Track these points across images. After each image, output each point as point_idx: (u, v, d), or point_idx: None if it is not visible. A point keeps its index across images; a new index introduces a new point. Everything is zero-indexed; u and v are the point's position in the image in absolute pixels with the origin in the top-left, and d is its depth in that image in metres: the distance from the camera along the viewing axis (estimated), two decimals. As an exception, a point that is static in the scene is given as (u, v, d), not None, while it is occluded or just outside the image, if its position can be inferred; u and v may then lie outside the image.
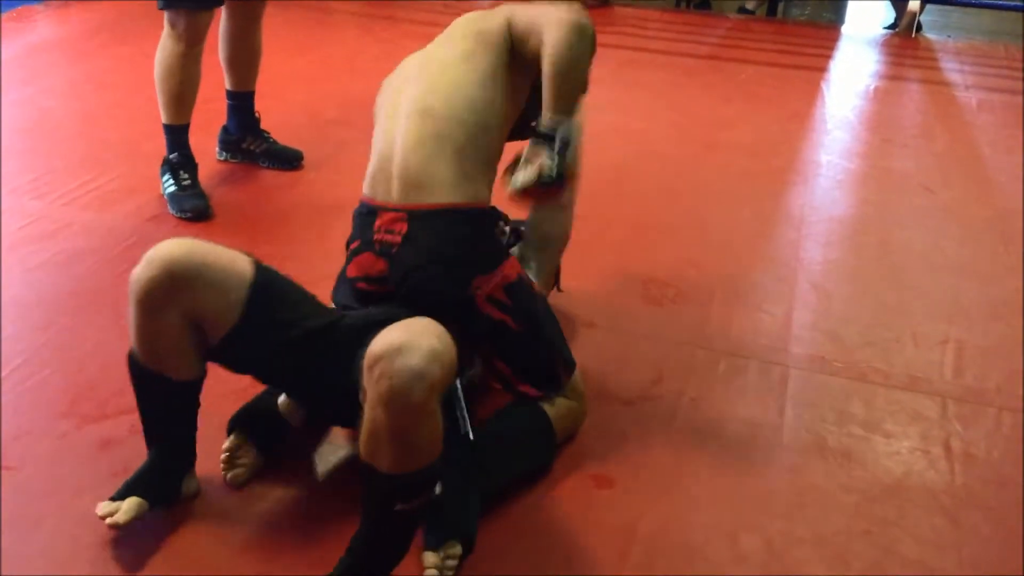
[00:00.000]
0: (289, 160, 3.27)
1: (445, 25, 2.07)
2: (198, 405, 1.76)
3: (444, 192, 1.78)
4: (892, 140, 3.72)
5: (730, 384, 2.22)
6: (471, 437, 1.73)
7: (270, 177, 3.19)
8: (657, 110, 3.95)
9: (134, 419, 2.00)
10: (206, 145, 3.36)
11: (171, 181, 2.94)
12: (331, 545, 1.63)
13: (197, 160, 2.99)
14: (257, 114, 3.25)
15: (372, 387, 1.41)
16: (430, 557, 1.62)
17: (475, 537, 1.67)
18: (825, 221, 3.04)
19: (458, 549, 1.63)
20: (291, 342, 1.66)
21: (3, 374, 2.14)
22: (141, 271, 1.58)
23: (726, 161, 3.46)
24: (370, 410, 1.44)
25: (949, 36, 5.22)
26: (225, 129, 3.28)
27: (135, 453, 1.91)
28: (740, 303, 2.56)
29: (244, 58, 3.11)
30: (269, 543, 1.73)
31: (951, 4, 5.59)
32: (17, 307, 2.40)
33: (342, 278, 1.93)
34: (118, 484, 1.82)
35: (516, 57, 1.89)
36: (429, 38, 2.08)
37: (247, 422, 1.87)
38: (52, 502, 1.79)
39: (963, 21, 5.65)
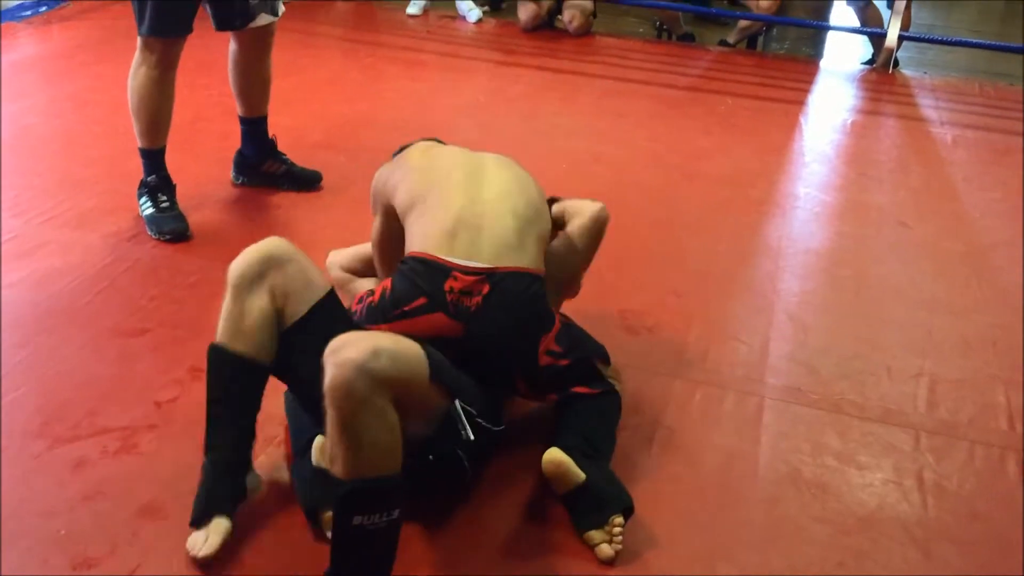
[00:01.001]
0: (309, 182, 3.27)
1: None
2: (261, 397, 1.81)
3: (524, 258, 1.93)
4: (868, 174, 3.77)
5: (706, 414, 2.23)
6: (472, 438, 1.75)
7: (253, 199, 3.19)
8: (637, 140, 3.98)
9: (107, 441, 2.00)
10: (189, 166, 3.36)
11: (149, 203, 2.93)
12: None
13: (177, 180, 2.98)
14: (272, 136, 3.24)
15: (325, 382, 1.50)
16: (596, 535, 1.76)
17: (632, 502, 1.80)
18: (802, 253, 3.06)
19: (621, 519, 1.77)
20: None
21: (-24, 393, 2.12)
22: (240, 257, 1.78)
23: (705, 192, 3.49)
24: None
25: (925, 72, 5.30)
26: (240, 153, 3.26)
27: (107, 475, 1.91)
28: (717, 333, 2.57)
29: (256, 85, 3.11)
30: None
31: (928, 41, 5.68)
32: (-8, 325, 2.38)
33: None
34: (90, 506, 1.82)
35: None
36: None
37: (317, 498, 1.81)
38: (23, 523, 1.77)
39: (939, 58, 5.74)
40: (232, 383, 1.77)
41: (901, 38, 5.14)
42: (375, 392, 1.48)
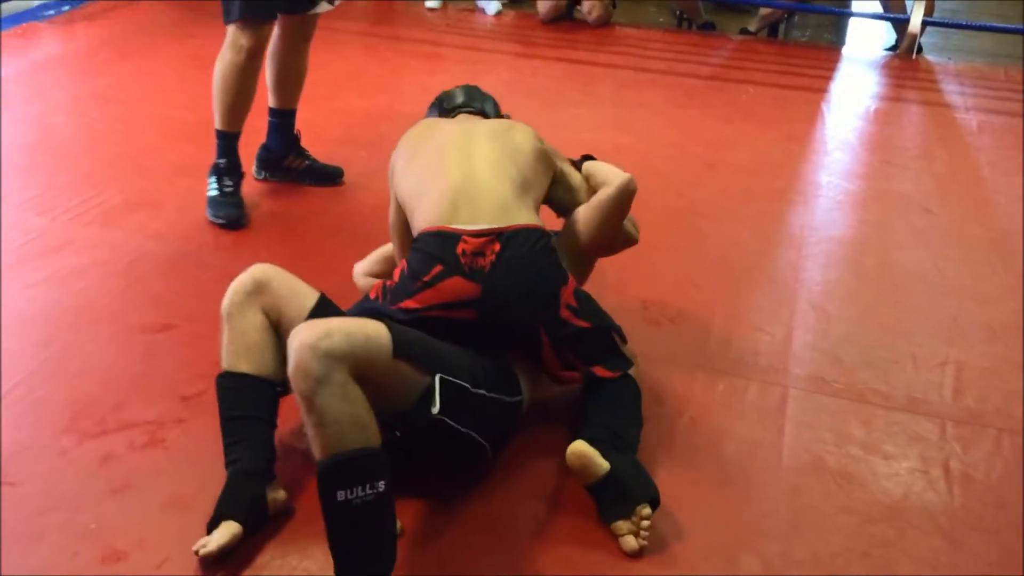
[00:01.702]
0: (331, 177, 3.29)
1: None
2: (277, 411, 1.88)
3: (525, 216, 1.98)
4: (892, 161, 3.74)
5: (729, 404, 2.23)
6: (436, 411, 1.74)
7: (275, 194, 3.20)
8: (658, 129, 3.97)
9: (133, 435, 2.02)
10: (210, 162, 3.39)
11: (215, 185, 3.00)
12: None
13: (197, 177, 3.00)
14: (297, 132, 3.25)
15: (288, 372, 1.60)
16: (623, 525, 1.78)
17: (658, 493, 1.80)
18: (825, 242, 3.05)
19: (648, 509, 1.77)
20: None
21: (4, 390, 2.15)
22: (227, 293, 1.89)
23: (727, 181, 3.47)
24: None
25: (949, 58, 5.24)
26: (265, 147, 3.26)
27: (135, 469, 1.93)
28: (740, 323, 2.56)
29: (292, 77, 3.12)
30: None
31: (951, 27, 5.61)
32: (18, 323, 2.41)
33: (376, 311, 1.93)
34: (118, 500, 1.84)
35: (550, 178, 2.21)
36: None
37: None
38: (52, 518, 1.79)
39: (963, 43, 5.67)
40: (242, 401, 1.83)
41: (924, 23, 5.08)
42: (331, 369, 1.55)
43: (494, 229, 1.92)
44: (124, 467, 1.93)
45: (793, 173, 3.60)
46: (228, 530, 1.71)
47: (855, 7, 5.81)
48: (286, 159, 3.25)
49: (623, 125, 3.99)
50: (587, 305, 2.01)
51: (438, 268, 1.89)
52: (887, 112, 4.41)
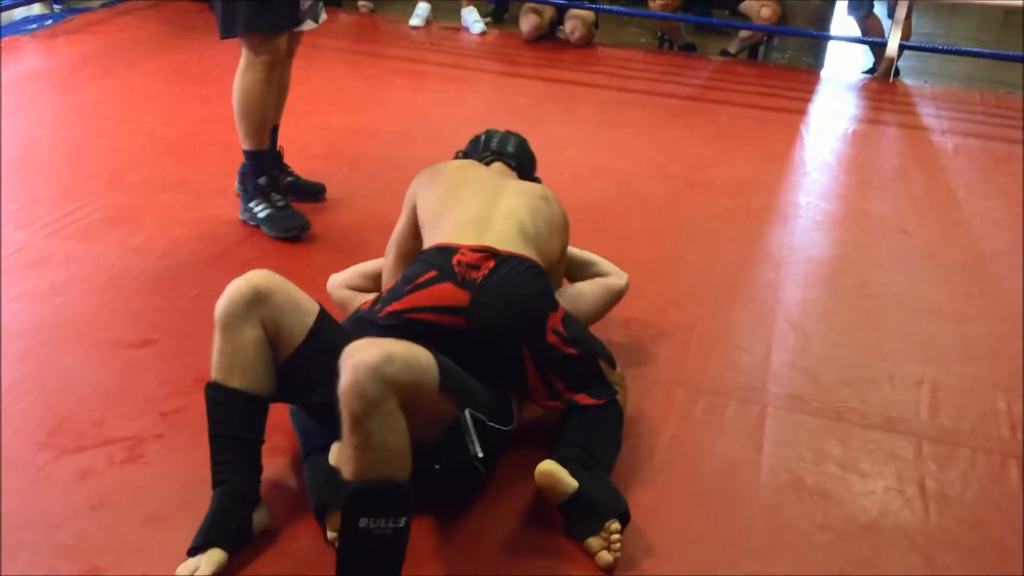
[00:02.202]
0: (312, 193, 3.29)
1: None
2: (264, 430, 1.82)
3: (525, 252, 2.04)
4: (870, 183, 3.78)
5: (709, 422, 2.24)
6: (480, 455, 1.81)
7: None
8: (639, 149, 4.00)
9: (112, 451, 2.01)
10: (193, 177, 3.38)
11: (263, 205, 2.99)
12: None
13: (180, 192, 2.99)
14: (280, 147, 3.24)
15: (339, 385, 1.53)
16: (594, 542, 1.78)
17: (627, 508, 1.81)
18: (804, 262, 3.07)
19: (617, 524, 1.78)
20: None
21: (-18, 404, 2.13)
22: (224, 294, 1.77)
23: (707, 201, 3.50)
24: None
25: (926, 81, 5.31)
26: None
27: (113, 485, 1.92)
28: (719, 342, 2.58)
29: (280, 92, 3.10)
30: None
31: (928, 51, 5.69)
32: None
33: (366, 319, 1.96)
34: (97, 516, 1.83)
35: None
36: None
37: (330, 499, 1.80)
38: (29, 534, 1.78)
39: (940, 67, 5.75)
40: (233, 418, 1.79)
41: (902, 47, 5.16)
42: (386, 395, 1.52)
43: (492, 248, 1.98)
44: (103, 483, 1.92)
45: (772, 193, 3.63)
46: (215, 559, 1.69)
47: (833, 30, 5.88)
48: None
49: (604, 144, 4.02)
50: (576, 332, 2.02)
51: (432, 273, 1.94)
52: (865, 134, 4.46)
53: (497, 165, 2.45)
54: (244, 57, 2.83)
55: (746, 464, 2.10)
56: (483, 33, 5.62)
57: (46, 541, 1.76)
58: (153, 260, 2.84)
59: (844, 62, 5.84)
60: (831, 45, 6.04)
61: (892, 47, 5.12)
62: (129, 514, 1.84)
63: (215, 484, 1.77)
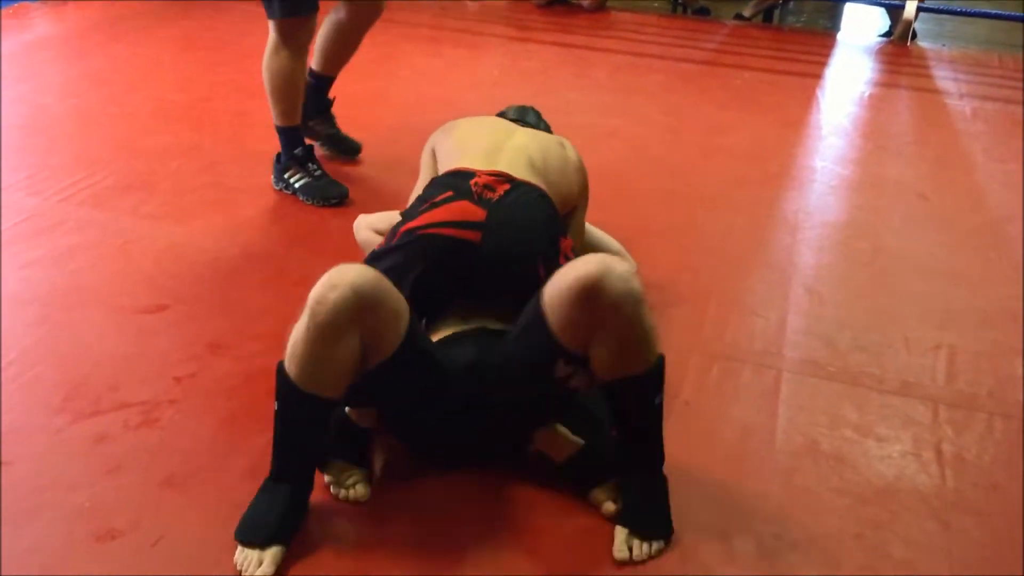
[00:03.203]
0: (349, 149, 3.34)
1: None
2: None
3: (533, 180, 2.08)
4: (886, 147, 3.74)
5: (724, 388, 2.23)
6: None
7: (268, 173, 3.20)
8: (653, 115, 3.96)
9: (128, 415, 2.02)
10: (204, 142, 3.37)
11: (301, 175, 3.02)
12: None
13: (192, 157, 3.00)
14: (332, 97, 3.27)
15: (606, 300, 1.57)
16: (599, 494, 1.81)
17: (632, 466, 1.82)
18: (819, 226, 3.05)
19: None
20: (436, 369, 1.75)
21: (-2, 369, 2.14)
22: (324, 292, 1.56)
23: (722, 166, 3.47)
24: (608, 331, 1.62)
25: (944, 44, 5.24)
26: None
27: (129, 449, 1.93)
28: (734, 307, 2.57)
29: (343, 51, 3.14)
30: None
31: (946, 13, 5.62)
32: (11, 303, 2.40)
33: (378, 253, 1.95)
34: (113, 480, 1.84)
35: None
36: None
37: (334, 448, 1.83)
38: (47, 497, 1.79)
39: (957, 30, 5.68)
40: (308, 423, 1.69)
41: (919, 9, 5.08)
42: (641, 289, 1.64)
43: (507, 173, 2.03)
44: (118, 447, 1.93)
45: (788, 158, 3.60)
46: (277, 558, 1.64)
47: (850, -7, 5.82)
48: (312, 120, 3.27)
49: (618, 109, 3.99)
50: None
51: (449, 193, 1.96)
52: (882, 98, 4.41)
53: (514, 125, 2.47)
54: (274, 39, 2.83)
55: (761, 429, 2.10)
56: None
57: (63, 503, 1.77)
58: (166, 226, 2.84)
59: (860, 25, 5.77)
60: (847, 8, 5.97)
61: (909, 9, 5.05)
62: (145, 477, 1.85)
63: (276, 476, 1.71)
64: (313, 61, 3.17)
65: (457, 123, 2.38)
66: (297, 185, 3.01)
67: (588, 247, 2.41)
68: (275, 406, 1.68)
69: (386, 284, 1.63)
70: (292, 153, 3.01)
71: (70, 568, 1.64)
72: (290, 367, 1.62)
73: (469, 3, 5.61)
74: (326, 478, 1.80)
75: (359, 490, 1.80)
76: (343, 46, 3.14)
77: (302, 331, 1.59)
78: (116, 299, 2.46)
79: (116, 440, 1.95)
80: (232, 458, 1.91)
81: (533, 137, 2.29)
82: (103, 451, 1.91)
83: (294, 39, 2.81)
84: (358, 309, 1.56)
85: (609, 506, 1.79)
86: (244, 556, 1.64)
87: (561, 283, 1.62)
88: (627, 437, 1.79)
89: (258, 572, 1.61)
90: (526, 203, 1.99)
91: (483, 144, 2.19)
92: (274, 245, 2.77)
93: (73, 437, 1.95)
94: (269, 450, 1.91)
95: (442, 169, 2.18)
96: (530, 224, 1.96)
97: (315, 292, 1.56)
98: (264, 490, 1.71)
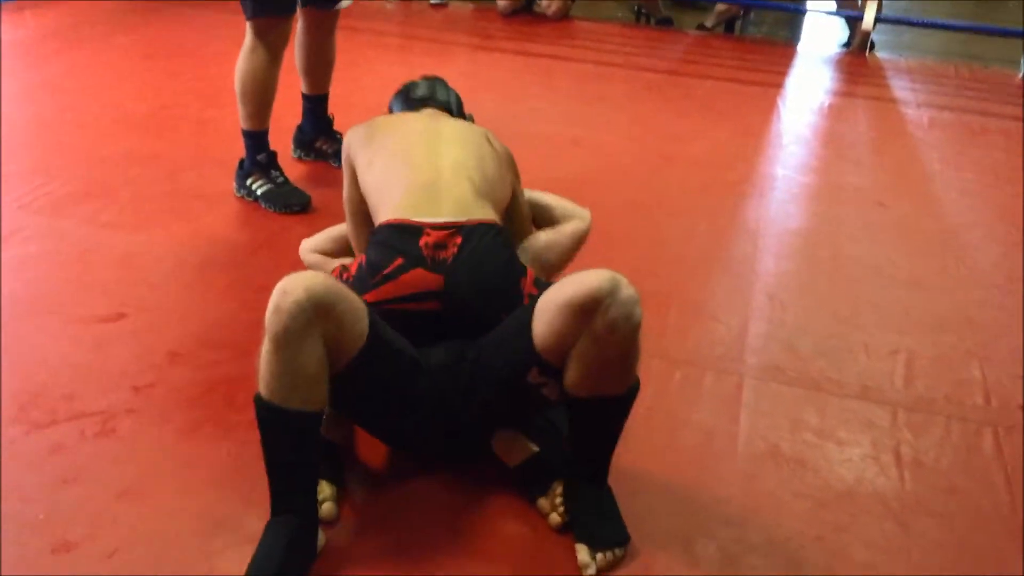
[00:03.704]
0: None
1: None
2: (319, 443, 1.70)
3: (483, 213, 1.95)
4: (846, 155, 3.79)
5: (686, 393, 2.24)
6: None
7: (229, 181, 3.17)
8: (617, 123, 3.98)
9: (84, 425, 1.99)
10: (165, 151, 3.33)
11: (263, 181, 3.02)
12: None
13: (151, 166, 2.97)
14: (331, 115, 3.36)
15: (607, 317, 1.57)
16: (544, 503, 1.81)
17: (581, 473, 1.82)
18: (780, 234, 3.08)
19: (560, 487, 1.81)
20: (402, 363, 1.74)
21: (-50, 379, 2.10)
22: (279, 300, 1.53)
23: (684, 174, 3.50)
24: (595, 348, 1.60)
25: (901, 55, 5.32)
26: (300, 128, 3.40)
27: (86, 459, 1.90)
28: (696, 314, 2.58)
29: (321, 65, 3.24)
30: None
31: (904, 23, 5.70)
32: (-34, 312, 2.36)
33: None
34: (69, 491, 1.81)
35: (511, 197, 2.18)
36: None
37: None
38: (1, 508, 1.75)
39: (915, 41, 5.77)
40: (294, 442, 1.63)
41: (877, 20, 5.16)
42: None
43: (456, 223, 1.89)
44: (75, 457, 1.90)
45: (749, 166, 3.63)
46: None
47: (809, 4, 5.88)
48: (317, 140, 3.37)
49: (581, 118, 4.01)
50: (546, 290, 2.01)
51: (399, 261, 1.85)
52: (841, 107, 4.47)
53: (428, 110, 2.40)
54: (249, 39, 2.83)
55: (723, 434, 2.11)
56: (442, 5, 5.61)
57: (18, 515, 1.74)
58: (124, 235, 2.81)
59: (820, 36, 5.84)
60: (807, 19, 6.04)
61: (868, 20, 5.12)
62: (102, 488, 1.82)
63: (277, 511, 1.64)
64: (302, 85, 3.27)
65: (374, 130, 2.20)
66: (259, 192, 3.00)
67: (538, 212, 2.35)
68: (261, 441, 1.62)
69: (338, 285, 1.62)
70: (255, 159, 3.00)
71: (24, 581, 1.61)
72: (265, 391, 1.59)
73: (388, 4, 5.64)
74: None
75: (326, 508, 1.77)
76: (316, 57, 3.20)
77: (266, 346, 1.56)
78: (74, 308, 2.43)
79: (73, 450, 1.92)
80: (191, 469, 1.89)
81: (463, 143, 2.14)
82: (59, 462, 1.88)
83: (267, 40, 2.81)
84: (314, 313, 1.54)
85: (555, 518, 1.79)
86: None
87: (563, 292, 1.62)
88: (583, 453, 1.79)
89: None
90: (482, 257, 1.88)
91: (418, 173, 2.02)
92: (235, 253, 2.75)
93: (28, 448, 1.92)
94: (229, 460, 1.90)
95: (375, 200, 2.05)
96: (489, 279, 1.88)
97: (270, 303, 1.55)
98: (267, 527, 1.64)
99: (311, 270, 1.66)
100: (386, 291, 1.84)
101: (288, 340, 1.54)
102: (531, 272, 1.99)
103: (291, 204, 2.96)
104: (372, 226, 2.08)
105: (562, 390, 1.71)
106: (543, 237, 2.28)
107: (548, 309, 1.63)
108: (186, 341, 2.29)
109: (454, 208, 1.93)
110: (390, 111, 2.54)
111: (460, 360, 1.80)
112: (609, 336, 1.59)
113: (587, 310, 1.57)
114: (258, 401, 1.60)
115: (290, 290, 1.54)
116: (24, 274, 2.56)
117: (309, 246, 2.39)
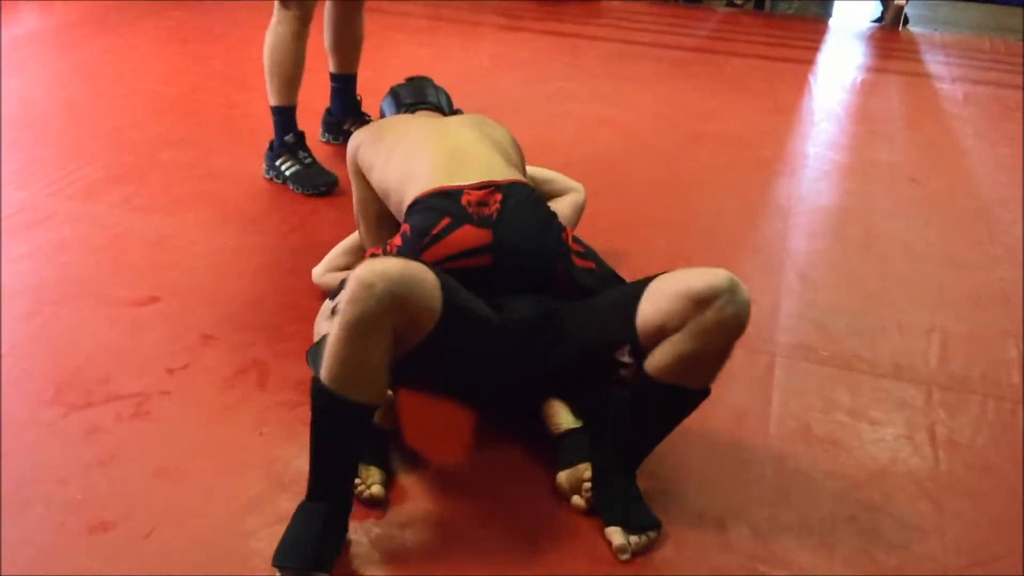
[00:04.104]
0: None
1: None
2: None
3: (514, 174, 2.02)
4: (878, 132, 3.74)
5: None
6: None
7: (252, 166, 3.18)
8: (645, 102, 3.96)
9: (120, 407, 2.01)
10: (193, 134, 3.36)
11: (291, 162, 3.02)
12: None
13: (181, 150, 2.99)
14: (359, 97, 3.34)
15: (714, 316, 1.58)
16: (564, 479, 1.81)
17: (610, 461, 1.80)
18: (812, 212, 3.05)
19: (589, 471, 1.80)
20: (482, 326, 1.73)
21: (-12, 363, 2.13)
22: (358, 292, 1.51)
23: (714, 152, 3.47)
24: (696, 340, 1.61)
25: (935, 29, 5.24)
26: (328, 111, 3.39)
27: (121, 441, 1.92)
28: (727, 293, 2.56)
29: (348, 43, 3.23)
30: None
31: (937, -2, 5.63)
32: (2, 297, 2.38)
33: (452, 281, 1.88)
34: (105, 471, 1.83)
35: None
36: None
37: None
38: (38, 489, 1.78)
39: (949, 15, 5.68)
40: (347, 433, 1.63)
41: (910, -5, 5.08)
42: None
43: (492, 181, 1.93)
44: (110, 439, 1.92)
45: (780, 144, 3.60)
46: None
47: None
48: (345, 122, 3.35)
49: (609, 97, 3.98)
50: (589, 250, 2.01)
51: (446, 220, 1.87)
52: (873, 83, 4.41)
53: (420, 112, 2.42)
54: (275, 12, 2.85)
55: (755, 413, 2.10)
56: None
57: (55, 496, 1.77)
58: (156, 218, 2.83)
59: (852, 11, 5.76)
60: (839, -6, 5.96)
61: (901, -5, 5.05)
62: (137, 469, 1.84)
63: (313, 497, 1.63)
64: (329, 64, 3.27)
65: (380, 131, 2.22)
66: (288, 173, 3.01)
67: (541, 185, 2.41)
68: (312, 425, 1.61)
69: (415, 273, 1.58)
70: (283, 140, 3.01)
71: (62, 560, 1.64)
72: (326, 377, 1.56)
73: None
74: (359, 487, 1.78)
75: (375, 490, 1.78)
76: (343, 33, 3.20)
77: (336, 333, 1.54)
78: (107, 292, 2.45)
79: (108, 432, 1.94)
80: (225, 450, 1.91)
81: (471, 127, 2.19)
82: (95, 443, 1.91)
83: (291, 13, 2.83)
84: (391, 307, 1.52)
85: (579, 501, 1.79)
86: None
87: (682, 280, 1.64)
88: (631, 439, 1.78)
89: None
90: (525, 211, 1.93)
91: (437, 152, 2.05)
92: (266, 236, 2.76)
93: (65, 430, 1.95)
94: (262, 441, 1.92)
95: (396, 189, 2.06)
96: (535, 233, 1.91)
97: (347, 291, 1.53)
98: (301, 511, 1.63)
99: (384, 258, 1.63)
100: (437, 251, 1.86)
101: (362, 331, 1.52)
102: (570, 231, 2.01)
103: (318, 185, 2.97)
104: (388, 226, 2.14)
105: (638, 373, 1.70)
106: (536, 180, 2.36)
107: (662, 293, 1.65)
108: (219, 324, 2.31)
109: (486, 170, 1.97)
110: (381, 114, 2.56)
111: (548, 316, 1.81)
112: (716, 330, 1.60)
113: (703, 301, 1.59)
114: (316, 385, 1.58)
115: (372, 283, 1.51)
116: (58, 259, 2.59)
117: (322, 269, 2.40)
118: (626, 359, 1.72)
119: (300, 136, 3.04)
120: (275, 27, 2.87)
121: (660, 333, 1.64)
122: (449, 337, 1.66)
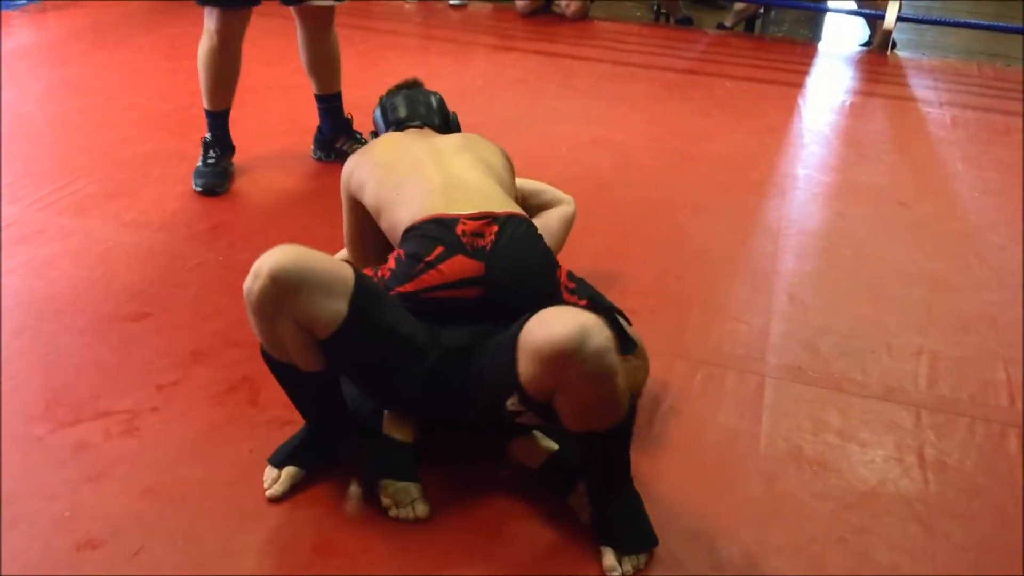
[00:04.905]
0: None
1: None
2: (337, 386, 1.87)
3: (511, 206, 2.01)
4: (867, 155, 3.76)
5: (707, 393, 2.24)
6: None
7: (247, 179, 3.18)
8: (637, 123, 3.98)
9: (109, 424, 2.00)
10: (187, 149, 3.36)
11: (201, 157, 3.13)
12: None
13: (172, 163, 2.99)
14: (348, 115, 3.39)
15: (574, 372, 1.53)
16: (573, 500, 1.83)
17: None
18: (801, 233, 3.06)
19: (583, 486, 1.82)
20: (394, 343, 1.76)
21: (-23, 378, 2.12)
22: (250, 283, 1.66)
23: (705, 173, 3.49)
24: (574, 395, 1.59)
25: (923, 54, 5.29)
26: (319, 130, 3.42)
27: (110, 457, 1.91)
28: (718, 313, 2.57)
29: (323, 64, 3.26)
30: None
31: (925, 23, 5.67)
32: (-8, 311, 2.38)
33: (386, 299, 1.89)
34: (93, 488, 1.83)
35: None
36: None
37: (382, 468, 1.86)
38: (26, 506, 1.77)
39: (937, 40, 5.73)
40: (296, 384, 1.85)
41: (898, 19, 5.13)
42: (615, 359, 1.58)
43: (489, 212, 1.91)
44: (99, 455, 1.91)
45: (770, 166, 3.62)
46: (292, 473, 1.85)
47: (830, 3, 5.85)
48: (337, 141, 3.38)
49: (601, 118, 4.00)
50: (581, 285, 2.00)
51: (439, 249, 1.86)
52: (862, 106, 4.44)
53: (412, 130, 2.37)
54: (204, 25, 2.96)
55: (745, 434, 2.10)
56: (462, 5, 5.62)
57: (43, 513, 1.76)
58: (148, 234, 2.82)
59: (841, 35, 5.81)
60: (828, 18, 6.01)
61: (889, 19, 5.09)
62: (126, 486, 1.84)
63: (305, 421, 1.92)
64: (312, 87, 3.31)
65: (372, 153, 2.22)
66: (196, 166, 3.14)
67: (531, 197, 2.42)
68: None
69: (312, 264, 1.67)
70: (204, 137, 3.14)
71: (50, 578, 1.63)
72: (260, 342, 1.76)
73: (407, 5, 5.66)
74: (383, 501, 1.79)
75: (419, 509, 1.80)
76: (316, 56, 3.23)
77: (248, 315, 1.71)
78: (98, 307, 2.45)
79: (97, 449, 1.93)
80: (215, 467, 1.90)
81: (466, 150, 2.18)
82: (84, 460, 1.90)
83: (212, 28, 2.93)
84: (278, 296, 1.64)
85: (583, 515, 1.79)
86: (266, 475, 1.85)
87: (534, 339, 1.57)
88: (595, 473, 1.77)
89: (270, 489, 1.82)
90: (520, 244, 1.90)
91: (433, 177, 2.04)
92: (257, 251, 2.75)
93: (54, 446, 1.94)
94: (252, 458, 1.92)
95: (388, 212, 2.05)
96: (528, 266, 1.90)
97: (246, 281, 1.66)
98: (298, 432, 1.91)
99: (283, 247, 1.69)
100: (427, 279, 1.84)
101: (260, 318, 1.69)
102: (564, 266, 2.00)
103: (196, 184, 3.08)
104: (378, 254, 2.16)
105: (544, 416, 1.69)
106: (540, 222, 2.28)
107: (525, 351, 1.58)
108: (209, 340, 2.31)
109: (482, 200, 1.96)
110: (375, 125, 2.53)
111: (466, 350, 1.79)
112: (585, 386, 1.56)
113: (557, 365, 1.54)
114: (263, 351, 1.78)
115: (260, 271, 1.64)
116: (48, 274, 2.58)
117: None
118: (516, 407, 1.67)
119: (216, 138, 3.14)
120: (201, 38, 2.99)
121: (542, 389, 1.61)
122: (352, 341, 1.71)
